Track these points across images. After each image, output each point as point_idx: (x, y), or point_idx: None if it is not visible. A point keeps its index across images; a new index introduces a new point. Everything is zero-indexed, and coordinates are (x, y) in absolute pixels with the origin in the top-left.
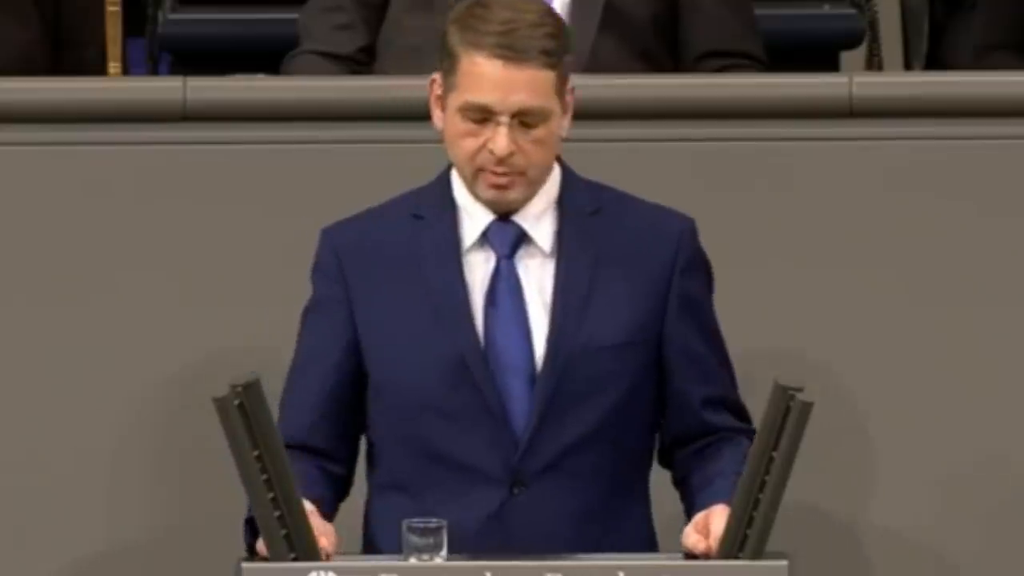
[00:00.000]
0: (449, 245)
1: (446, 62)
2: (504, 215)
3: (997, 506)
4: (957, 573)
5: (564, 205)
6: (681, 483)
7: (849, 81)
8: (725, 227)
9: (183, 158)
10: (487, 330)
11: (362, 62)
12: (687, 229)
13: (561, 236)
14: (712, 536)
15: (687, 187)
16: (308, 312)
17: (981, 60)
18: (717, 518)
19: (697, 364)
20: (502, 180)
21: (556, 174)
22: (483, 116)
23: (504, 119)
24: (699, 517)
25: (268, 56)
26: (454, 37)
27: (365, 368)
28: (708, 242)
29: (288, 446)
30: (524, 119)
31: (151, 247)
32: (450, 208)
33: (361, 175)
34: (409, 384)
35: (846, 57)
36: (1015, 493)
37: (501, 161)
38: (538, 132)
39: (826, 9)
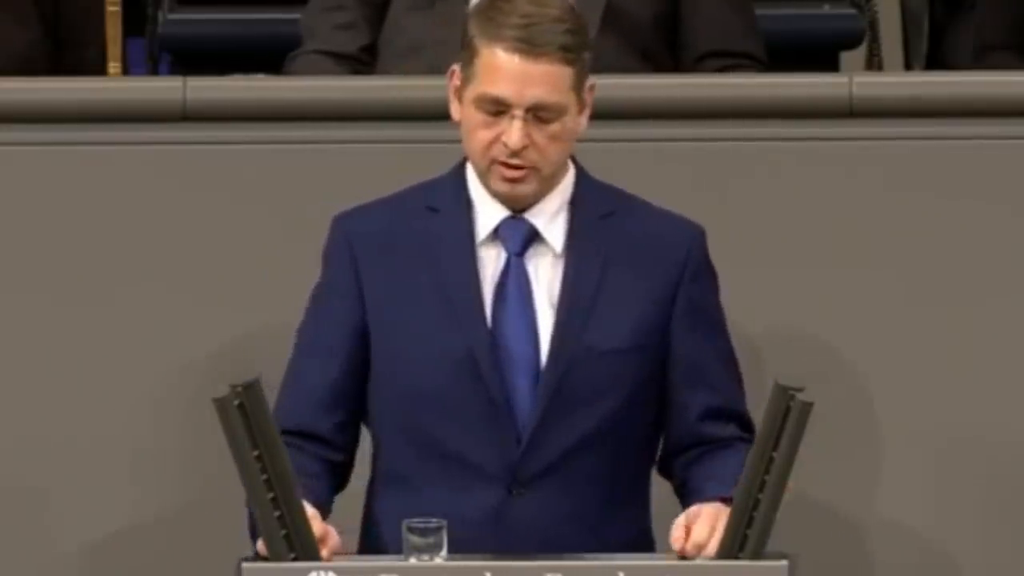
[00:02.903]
0: (463, 239)
1: (465, 53)
2: (517, 212)
3: (1000, 504)
4: (959, 571)
5: (577, 206)
6: (679, 491)
7: (849, 81)
8: (725, 227)
9: (183, 158)
10: (495, 326)
11: (365, 61)
12: (697, 237)
13: (572, 237)
14: (691, 542)
15: (687, 187)
16: (316, 297)
17: (981, 60)
18: (700, 524)
19: (700, 372)
20: (514, 174)
21: (571, 174)
22: (498, 108)
23: (519, 112)
24: (683, 517)
25: (268, 56)
26: (474, 29)
27: (369, 356)
28: (708, 242)
29: (291, 432)
30: (539, 114)
31: (151, 247)
32: (464, 202)
33: (362, 175)
34: (415, 374)
35: (846, 57)
36: (1017, 492)
37: (514, 154)
38: (553, 128)
39: (826, 9)
